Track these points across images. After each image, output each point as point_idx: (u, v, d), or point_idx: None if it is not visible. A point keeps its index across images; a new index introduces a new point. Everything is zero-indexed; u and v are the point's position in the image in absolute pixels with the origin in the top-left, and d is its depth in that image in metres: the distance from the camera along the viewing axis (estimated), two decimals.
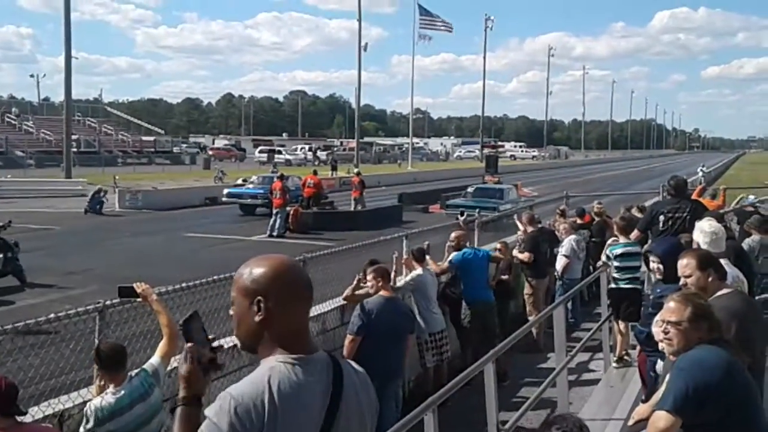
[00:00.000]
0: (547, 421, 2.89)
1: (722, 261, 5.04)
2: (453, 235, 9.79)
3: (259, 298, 2.08)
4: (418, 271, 8.67)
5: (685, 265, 4.28)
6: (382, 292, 7.02)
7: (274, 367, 2.07)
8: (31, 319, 4.81)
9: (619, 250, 8.76)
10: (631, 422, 4.10)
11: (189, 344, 2.20)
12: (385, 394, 6.36)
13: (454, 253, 9.55)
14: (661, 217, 7.95)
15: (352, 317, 6.94)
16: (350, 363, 2.28)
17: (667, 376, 3.36)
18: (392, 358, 6.81)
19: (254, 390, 2.02)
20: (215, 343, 2.26)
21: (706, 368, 3.11)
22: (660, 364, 4.28)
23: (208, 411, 2.00)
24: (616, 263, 8.76)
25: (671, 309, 3.36)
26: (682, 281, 4.31)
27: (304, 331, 2.17)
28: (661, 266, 5.16)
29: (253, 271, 2.13)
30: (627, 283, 8.63)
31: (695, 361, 3.15)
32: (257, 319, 2.08)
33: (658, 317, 3.51)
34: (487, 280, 9.55)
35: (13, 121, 68.55)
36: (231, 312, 2.18)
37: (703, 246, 5.10)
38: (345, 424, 2.12)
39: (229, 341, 6.78)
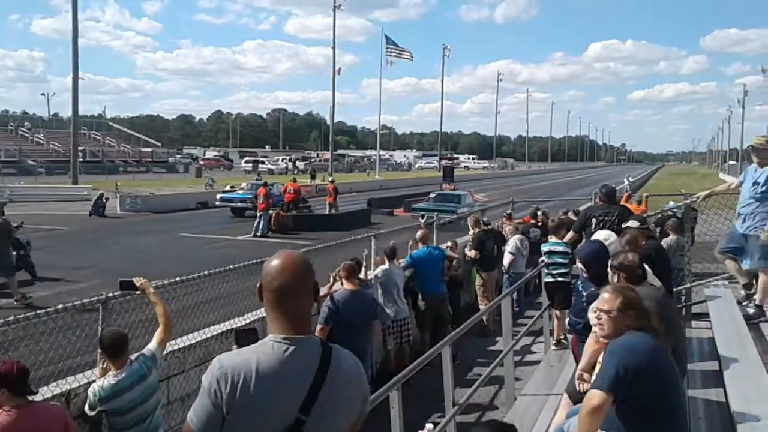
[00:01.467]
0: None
1: None
2: (419, 234, 9.80)
3: (259, 285, 2.14)
4: (386, 266, 8.68)
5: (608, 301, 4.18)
6: (347, 285, 7.04)
7: (264, 343, 2.10)
8: (41, 309, 4.74)
9: (546, 248, 9.01)
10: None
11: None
12: None
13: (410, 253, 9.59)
14: (593, 220, 8.01)
15: (321, 308, 6.92)
16: (344, 351, 2.19)
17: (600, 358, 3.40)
18: (359, 343, 6.76)
19: (239, 359, 2.05)
20: None
21: (635, 352, 3.14)
22: None
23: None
24: (545, 259, 8.91)
25: (604, 299, 3.41)
26: (598, 315, 4.29)
27: (297, 317, 2.11)
28: (583, 267, 5.21)
29: (264, 264, 2.19)
30: (553, 277, 8.75)
31: (625, 346, 3.18)
32: (263, 304, 2.15)
33: (592, 306, 3.54)
34: (440, 275, 9.54)
35: (25, 134, 67.25)
36: None
37: None
38: (329, 402, 2.06)
39: (219, 328, 6.78)
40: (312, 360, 2.07)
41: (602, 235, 5.33)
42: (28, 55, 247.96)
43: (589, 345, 4.31)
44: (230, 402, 1.99)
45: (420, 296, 9.27)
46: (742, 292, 7.30)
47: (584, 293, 5.15)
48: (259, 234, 22.59)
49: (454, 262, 10.18)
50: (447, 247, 10.56)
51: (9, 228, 12.72)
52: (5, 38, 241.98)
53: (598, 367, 3.71)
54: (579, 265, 5.51)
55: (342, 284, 7.18)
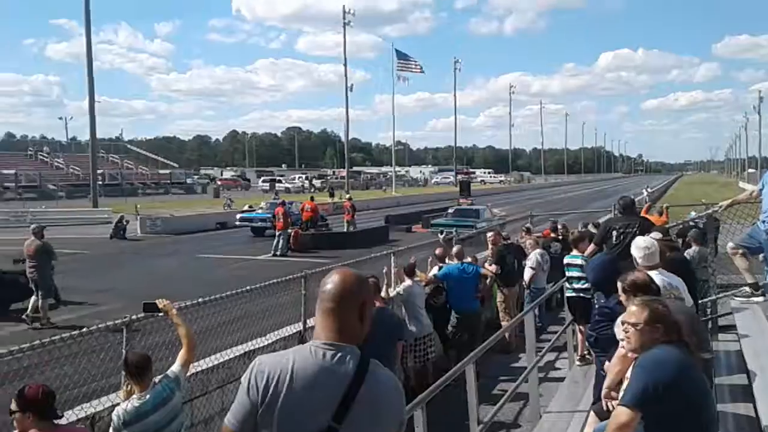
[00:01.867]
0: None
1: (655, 272, 5.04)
2: (438, 251, 9.77)
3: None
4: (408, 282, 8.67)
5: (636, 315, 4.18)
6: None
7: (303, 347, 2.17)
8: (66, 333, 4.77)
9: (565, 261, 8.93)
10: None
11: None
12: None
13: (437, 268, 9.57)
14: (614, 233, 7.94)
15: None
16: (383, 369, 2.21)
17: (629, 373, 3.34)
18: (382, 361, 6.74)
19: (276, 360, 2.13)
20: None
21: (664, 367, 3.06)
22: (607, 364, 4.23)
23: None
24: (566, 272, 8.86)
25: (631, 312, 3.34)
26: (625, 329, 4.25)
27: (339, 327, 2.15)
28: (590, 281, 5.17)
29: None
30: (575, 291, 8.67)
31: (654, 361, 3.10)
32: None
33: (620, 319, 3.49)
34: (474, 292, 9.50)
35: (45, 159, 68.25)
36: None
37: (639, 260, 5.07)
38: (363, 414, 2.07)
39: (241, 349, 6.79)
40: (348, 369, 2.09)
41: (644, 242, 5.25)
42: (44, 79, 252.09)
43: (615, 362, 4.24)
44: (264, 398, 2.05)
45: (453, 312, 9.24)
46: (748, 289, 7.24)
47: (596, 305, 5.11)
48: (278, 253, 22.64)
49: (488, 280, 10.13)
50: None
51: (50, 250, 12.95)
52: (21, 64, 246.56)
53: (625, 383, 3.65)
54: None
55: None
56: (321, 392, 2.04)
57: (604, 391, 4.23)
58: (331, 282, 2.18)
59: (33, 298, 12.64)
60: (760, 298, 7.13)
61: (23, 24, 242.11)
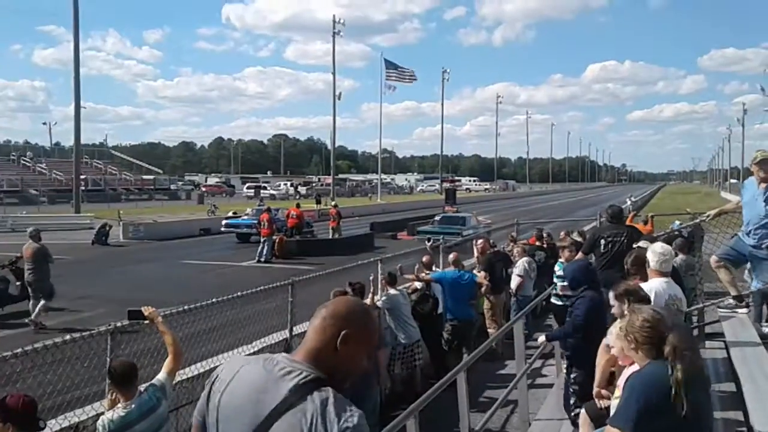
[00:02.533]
0: None
1: (663, 279, 5.06)
2: (425, 258, 9.79)
3: None
4: (392, 291, 8.63)
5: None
6: None
7: (267, 356, 2.06)
8: (49, 341, 4.67)
9: (556, 269, 9.02)
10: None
11: None
12: (363, 401, 6.25)
13: (436, 271, 9.65)
14: (602, 241, 7.95)
15: None
16: (334, 404, 1.88)
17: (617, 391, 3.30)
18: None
19: (231, 364, 2.07)
20: None
21: (655, 386, 2.99)
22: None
23: None
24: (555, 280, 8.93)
25: (626, 320, 3.31)
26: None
27: (308, 345, 2.01)
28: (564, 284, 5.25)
29: None
30: (559, 299, 8.72)
31: (644, 381, 3.04)
32: None
33: (612, 328, 3.47)
34: (469, 299, 9.50)
35: (28, 164, 67.56)
36: None
37: (653, 265, 5.09)
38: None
39: (227, 356, 6.70)
40: (285, 388, 1.90)
41: (661, 248, 5.26)
42: (29, 85, 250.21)
43: (600, 360, 4.26)
44: (207, 399, 2.04)
45: (448, 320, 9.24)
46: (732, 301, 7.27)
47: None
48: (263, 260, 22.53)
49: (483, 288, 10.13)
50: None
51: (47, 253, 12.99)
52: (7, 69, 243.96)
53: (617, 393, 3.63)
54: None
55: None
56: (249, 404, 1.91)
57: (595, 391, 4.22)
58: (323, 305, 2.10)
59: (31, 302, 12.62)
60: (744, 310, 7.17)
61: (11, 30, 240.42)
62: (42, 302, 12.50)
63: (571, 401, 5.82)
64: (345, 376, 2.03)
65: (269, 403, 1.89)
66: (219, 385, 2.02)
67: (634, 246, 6.89)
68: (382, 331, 7.98)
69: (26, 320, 12.31)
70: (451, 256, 9.82)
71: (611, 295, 4.40)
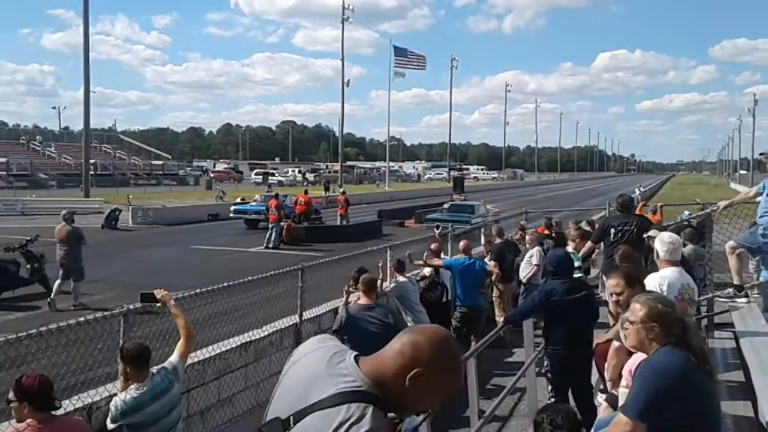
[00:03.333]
0: (542, 409, 2.83)
1: (675, 269, 5.05)
2: (433, 245, 9.80)
3: None
4: (401, 278, 8.66)
5: (615, 284, 4.37)
6: (361, 300, 6.93)
7: (340, 347, 1.98)
8: (63, 322, 4.71)
9: None
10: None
11: None
12: None
13: (446, 258, 9.67)
14: (612, 230, 7.95)
15: (335, 319, 6.86)
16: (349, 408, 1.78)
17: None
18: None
19: (307, 343, 2.03)
20: None
21: (665, 375, 2.98)
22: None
23: None
24: None
25: (632, 309, 3.28)
26: (614, 298, 4.34)
27: (379, 359, 1.86)
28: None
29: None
30: None
31: (654, 368, 3.02)
32: None
33: (623, 315, 3.46)
34: (479, 287, 9.52)
35: (37, 148, 67.85)
36: None
37: (662, 254, 5.07)
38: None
39: (237, 340, 6.76)
40: (334, 391, 1.82)
41: (668, 237, 5.26)
42: (38, 69, 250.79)
43: (611, 356, 4.26)
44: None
45: (457, 307, 9.26)
46: (731, 290, 7.27)
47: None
48: (270, 246, 22.59)
49: (494, 276, 10.12)
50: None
51: (80, 234, 13.35)
52: (16, 53, 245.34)
53: (624, 382, 3.64)
54: None
55: (358, 298, 7.08)
56: (300, 389, 1.85)
57: (609, 385, 4.23)
58: (418, 327, 1.95)
59: (58, 281, 12.84)
60: (743, 300, 7.14)
61: (20, 14, 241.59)
62: (75, 283, 12.81)
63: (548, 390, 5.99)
64: (406, 410, 1.88)
65: (314, 396, 1.82)
66: (294, 357, 1.98)
67: (644, 235, 6.88)
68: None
69: (48, 300, 12.56)
70: (462, 244, 9.83)
71: (611, 282, 4.41)
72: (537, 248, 11.22)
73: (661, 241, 5.17)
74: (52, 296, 12.64)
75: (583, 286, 6.42)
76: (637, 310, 3.25)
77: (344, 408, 1.75)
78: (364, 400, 1.77)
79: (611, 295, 4.40)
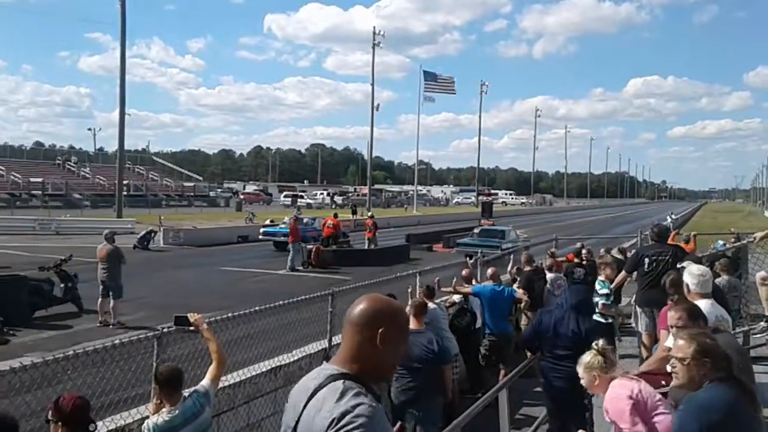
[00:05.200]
0: None
1: (708, 301, 4.96)
2: (464, 272, 9.78)
3: None
4: (430, 305, 8.60)
5: (677, 318, 4.18)
6: (411, 324, 6.84)
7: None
8: (98, 342, 4.78)
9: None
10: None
11: None
12: (420, 413, 6.37)
13: (475, 285, 9.63)
14: (646, 260, 7.84)
15: None
16: (345, 395, 2.01)
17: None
18: (415, 382, 6.56)
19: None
20: None
21: (708, 409, 2.94)
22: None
23: None
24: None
25: (678, 346, 3.22)
26: (674, 331, 4.22)
27: (343, 349, 2.15)
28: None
29: None
30: (598, 316, 8.65)
31: (697, 405, 2.99)
32: None
33: (669, 353, 3.38)
34: (508, 314, 9.45)
35: (72, 168, 69.22)
36: None
37: (693, 287, 4.99)
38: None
39: (267, 365, 6.77)
40: (318, 384, 2.08)
41: (698, 270, 5.18)
42: (75, 91, 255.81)
43: (653, 358, 4.23)
44: None
45: (487, 334, 9.19)
46: (764, 324, 7.10)
47: None
48: (288, 266, 22.63)
49: (522, 304, 10.04)
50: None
51: (121, 254, 13.74)
52: (54, 75, 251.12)
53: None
54: None
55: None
56: (297, 398, 2.12)
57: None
58: (353, 303, 2.18)
59: (99, 300, 13.11)
60: None
61: (59, 37, 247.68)
62: (115, 301, 13.04)
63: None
64: (384, 372, 2.16)
65: (304, 398, 2.08)
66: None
67: (679, 266, 6.77)
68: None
69: (110, 323, 12.82)
70: (489, 271, 9.77)
71: (673, 314, 4.26)
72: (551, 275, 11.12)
73: (691, 274, 5.08)
74: (100, 319, 12.92)
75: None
76: (686, 347, 3.17)
77: (326, 388, 2.03)
78: (345, 378, 2.04)
79: (671, 327, 4.23)
